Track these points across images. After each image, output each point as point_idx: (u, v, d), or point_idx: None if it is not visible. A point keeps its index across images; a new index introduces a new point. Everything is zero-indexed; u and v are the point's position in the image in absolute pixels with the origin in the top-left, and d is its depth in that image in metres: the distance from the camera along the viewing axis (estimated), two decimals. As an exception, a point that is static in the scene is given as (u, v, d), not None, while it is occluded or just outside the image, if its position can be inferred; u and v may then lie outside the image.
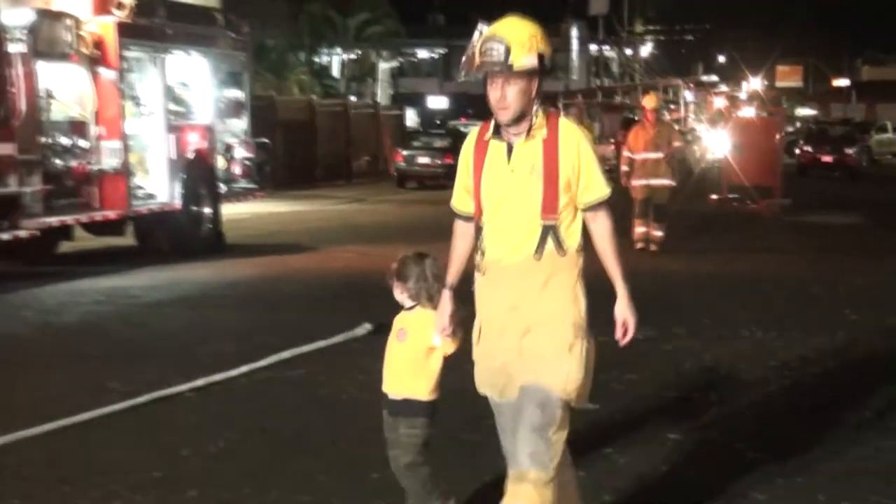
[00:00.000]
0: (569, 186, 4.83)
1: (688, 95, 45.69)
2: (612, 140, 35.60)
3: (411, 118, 52.05)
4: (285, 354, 9.41)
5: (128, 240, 16.72)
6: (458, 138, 38.68)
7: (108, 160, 15.24)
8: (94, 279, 14.21)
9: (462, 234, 5.11)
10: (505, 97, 4.76)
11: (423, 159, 34.80)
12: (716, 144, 33.09)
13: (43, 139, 14.21)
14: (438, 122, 48.49)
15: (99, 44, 15.14)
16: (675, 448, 7.01)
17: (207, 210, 17.19)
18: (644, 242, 16.77)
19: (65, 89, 14.82)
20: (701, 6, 67.07)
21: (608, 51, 72.39)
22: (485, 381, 5.02)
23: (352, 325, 10.30)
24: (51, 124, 14.51)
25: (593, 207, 4.89)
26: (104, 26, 15.24)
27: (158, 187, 16.27)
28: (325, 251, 17.50)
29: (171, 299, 12.74)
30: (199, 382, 8.46)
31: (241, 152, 18.26)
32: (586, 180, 4.86)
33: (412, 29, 57.82)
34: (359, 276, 14.47)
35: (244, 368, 8.92)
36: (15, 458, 6.80)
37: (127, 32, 15.52)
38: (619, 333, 4.87)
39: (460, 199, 5.09)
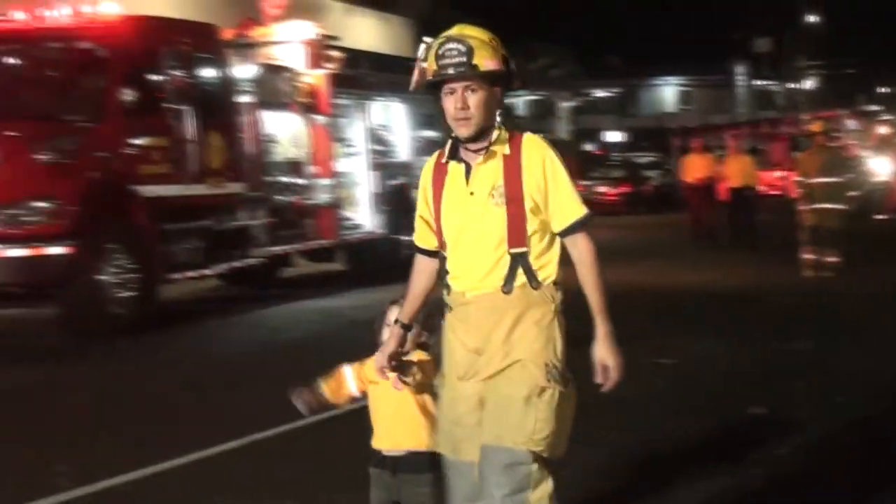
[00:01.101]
0: (537, 209, 3.95)
1: (850, 124, 44.68)
2: (779, 167, 35.17)
3: (591, 151, 52.20)
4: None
5: (338, 265, 17.33)
6: (635, 169, 39.08)
7: (322, 195, 15.89)
8: (312, 301, 14.83)
9: (420, 270, 4.22)
10: (467, 106, 3.87)
11: (602, 188, 35.25)
12: (880, 169, 32.35)
13: (267, 178, 14.91)
14: (616, 154, 48.54)
15: (313, 93, 15.77)
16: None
17: (406, 238, 17.67)
18: (814, 269, 15.44)
19: (284, 133, 15.52)
20: (860, 41, 65.45)
21: (772, 85, 71.18)
22: (441, 437, 4.10)
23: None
24: (273, 165, 15.18)
25: (569, 231, 3.99)
26: (318, 77, 15.88)
27: (364, 218, 16.89)
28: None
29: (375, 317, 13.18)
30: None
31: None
32: (556, 202, 3.96)
33: (590, 70, 57.96)
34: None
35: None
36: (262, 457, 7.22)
37: (337, 83, 16.16)
38: (598, 377, 4.00)
39: (418, 231, 4.18)
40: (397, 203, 17.29)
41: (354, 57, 17.31)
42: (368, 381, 4.47)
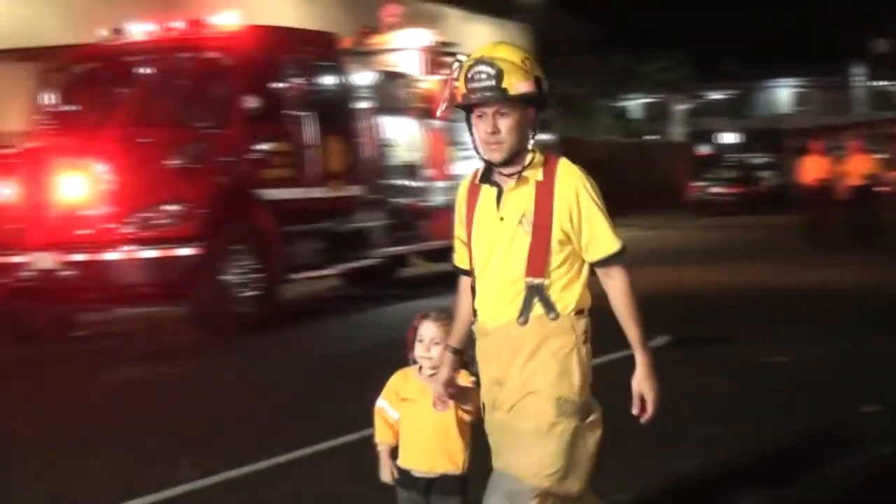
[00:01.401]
0: (567, 240, 3.72)
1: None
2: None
3: (705, 152, 51.58)
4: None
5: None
6: (748, 170, 38.51)
7: (437, 197, 15.89)
8: (428, 300, 14.82)
9: (464, 290, 3.97)
10: (498, 131, 3.67)
11: (716, 189, 34.81)
12: None
13: (384, 181, 15.01)
14: (729, 155, 47.86)
15: (429, 98, 15.77)
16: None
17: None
18: None
19: (401, 138, 15.59)
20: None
21: (891, 86, 69.43)
22: (495, 452, 3.87)
23: (649, 337, 10.35)
24: (390, 168, 15.27)
25: (603, 264, 3.79)
26: (433, 83, 15.89)
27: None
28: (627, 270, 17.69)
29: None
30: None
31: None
32: (590, 235, 3.74)
33: (706, 74, 57.24)
34: (658, 292, 14.64)
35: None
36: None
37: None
38: (636, 409, 3.79)
39: (458, 252, 3.97)
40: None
41: (470, 63, 17.34)
42: (402, 398, 4.21)
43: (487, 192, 3.80)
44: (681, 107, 53.42)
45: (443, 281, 16.58)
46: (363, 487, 5.88)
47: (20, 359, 11.51)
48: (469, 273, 3.90)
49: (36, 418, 8.70)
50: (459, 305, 4.00)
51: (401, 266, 16.83)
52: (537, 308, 3.69)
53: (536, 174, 3.73)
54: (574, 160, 3.82)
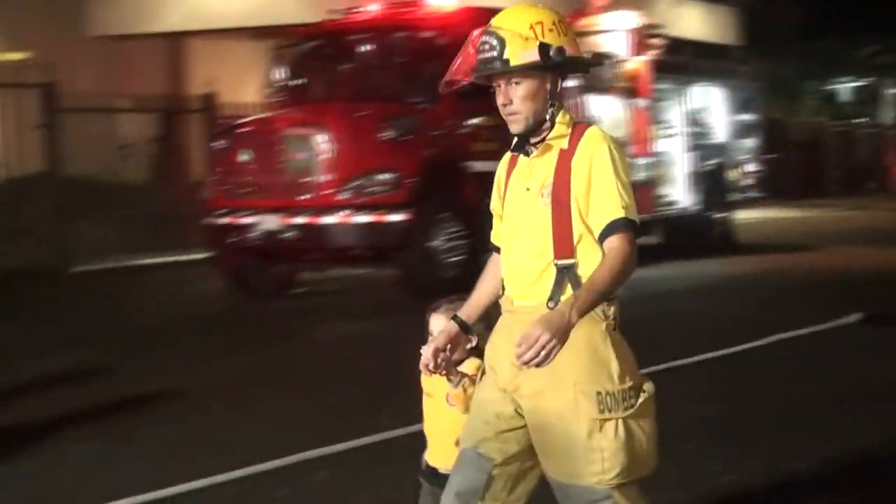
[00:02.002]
0: (584, 213, 3.29)
1: None
2: None
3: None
4: (778, 336, 9.23)
5: (653, 238, 17.19)
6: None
7: (640, 173, 15.72)
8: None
9: (489, 268, 3.60)
10: (510, 101, 3.35)
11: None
12: None
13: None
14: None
15: (635, 78, 15.72)
16: None
17: (720, 215, 17.40)
18: None
19: (606, 115, 15.38)
20: None
21: None
22: (468, 430, 3.46)
23: (841, 314, 9.98)
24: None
25: (606, 234, 3.25)
26: (639, 64, 15.82)
27: (680, 195, 16.70)
28: (824, 250, 17.22)
29: (682, 288, 13.10)
30: (700, 357, 8.48)
31: (750, 167, 18.33)
32: (596, 200, 3.26)
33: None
34: (854, 270, 14.17)
35: (739, 347, 8.87)
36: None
37: (658, 68, 16.06)
38: (517, 345, 3.18)
39: (494, 228, 3.60)
40: (712, 182, 17.10)
41: (676, 44, 17.06)
42: (425, 393, 3.87)
43: (522, 162, 3.44)
44: (892, 91, 51.11)
45: (644, 252, 16.64)
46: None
47: (244, 311, 12.02)
48: (499, 249, 3.52)
49: (251, 363, 9.08)
50: (480, 282, 3.61)
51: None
52: (568, 292, 3.25)
53: (562, 143, 3.34)
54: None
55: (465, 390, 3.63)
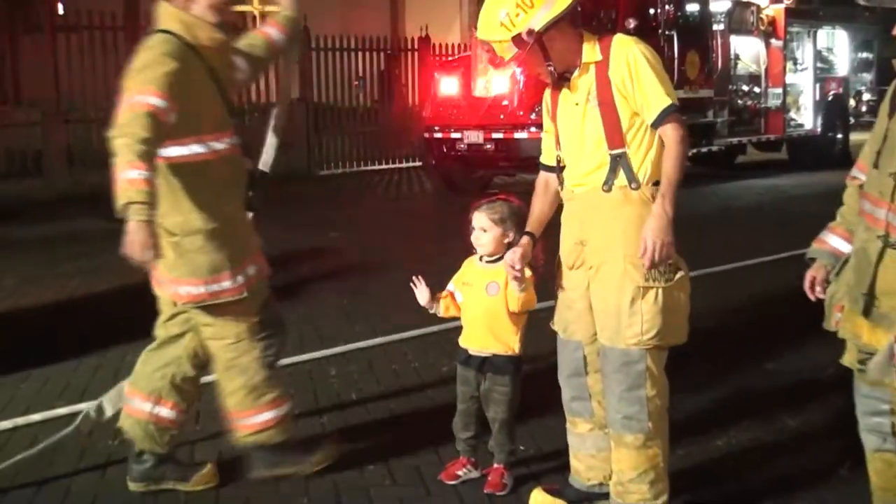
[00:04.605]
0: (628, 107, 3.14)
1: None
2: None
3: None
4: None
5: (782, 156, 16.79)
6: None
7: (772, 101, 15.49)
8: (759, 180, 14.65)
9: (542, 186, 3.42)
10: (534, 72, 3.27)
11: None
12: None
13: (731, 87, 14.73)
14: None
15: (771, 22, 15.33)
16: None
17: (840, 136, 16.81)
18: None
19: (746, 54, 15.24)
20: None
21: None
22: (556, 317, 3.41)
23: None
24: (736, 77, 14.97)
25: (659, 122, 3.11)
26: (776, 11, 15.40)
27: (806, 119, 16.26)
28: None
29: (808, 194, 12.81)
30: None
31: (867, 95, 17.57)
32: (642, 95, 3.11)
33: None
34: None
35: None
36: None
37: (791, 14, 15.62)
38: (640, 252, 3.09)
39: (544, 147, 3.41)
40: (834, 109, 16.57)
41: (806, -7, 16.45)
42: (463, 283, 3.69)
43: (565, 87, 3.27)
44: None
45: (773, 166, 16.30)
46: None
47: (451, 205, 12.36)
48: (551, 169, 3.37)
49: (453, 246, 9.36)
50: (535, 200, 3.42)
51: (739, 154, 16.42)
52: (621, 177, 3.14)
53: (594, 57, 3.16)
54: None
55: (526, 289, 3.49)
